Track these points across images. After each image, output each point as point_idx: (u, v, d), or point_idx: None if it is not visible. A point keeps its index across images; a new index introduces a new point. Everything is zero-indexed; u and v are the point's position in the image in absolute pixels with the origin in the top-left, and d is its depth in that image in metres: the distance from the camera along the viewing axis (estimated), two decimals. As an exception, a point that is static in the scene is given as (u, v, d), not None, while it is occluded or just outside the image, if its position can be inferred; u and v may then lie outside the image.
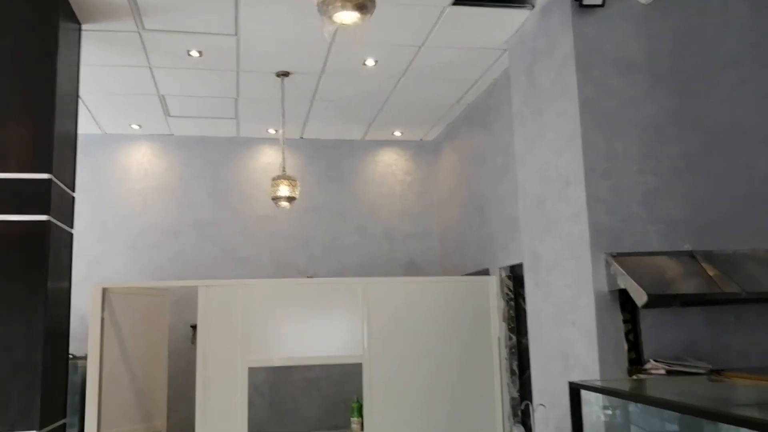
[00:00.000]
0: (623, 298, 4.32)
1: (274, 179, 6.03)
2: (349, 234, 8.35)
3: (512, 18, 5.33)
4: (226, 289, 6.11)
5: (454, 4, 5.08)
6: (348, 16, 2.84)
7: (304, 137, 8.36)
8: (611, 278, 4.32)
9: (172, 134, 8.09)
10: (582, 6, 4.62)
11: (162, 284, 6.73)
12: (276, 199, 6.02)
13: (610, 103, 4.59)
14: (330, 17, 2.82)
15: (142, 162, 8.03)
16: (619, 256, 4.33)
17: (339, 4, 2.81)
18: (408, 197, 8.58)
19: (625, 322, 4.35)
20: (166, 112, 7.31)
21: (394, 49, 5.83)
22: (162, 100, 6.91)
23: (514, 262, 6.21)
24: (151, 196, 7.98)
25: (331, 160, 8.46)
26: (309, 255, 8.21)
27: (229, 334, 6.00)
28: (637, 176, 4.52)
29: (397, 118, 7.73)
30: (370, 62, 6.06)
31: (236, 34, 5.47)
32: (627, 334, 4.33)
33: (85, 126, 7.58)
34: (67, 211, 4.81)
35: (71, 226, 4.92)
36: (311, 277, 7.84)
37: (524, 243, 5.43)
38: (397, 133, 8.35)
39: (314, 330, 6.16)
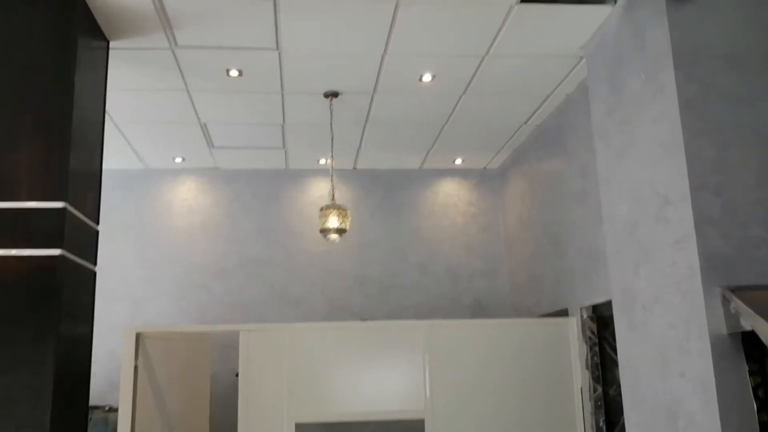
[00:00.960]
0: (748, 343, 3.46)
1: (322, 209, 5.41)
2: (408, 272, 7.64)
3: (590, 18, 4.62)
4: (270, 333, 5.47)
5: (523, 1, 4.40)
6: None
7: (357, 167, 7.76)
8: (731, 318, 3.47)
9: (218, 167, 7.62)
10: (678, -8, 3.88)
11: (200, 328, 6.14)
12: (325, 231, 5.38)
13: (719, 105, 3.80)
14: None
15: (186, 198, 7.57)
16: (740, 290, 3.49)
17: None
18: (472, 230, 7.83)
19: (752, 373, 3.47)
20: (210, 143, 6.83)
21: (454, 61, 5.18)
22: (204, 128, 6.42)
23: (599, 300, 5.38)
24: (197, 233, 7.48)
25: (387, 191, 7.82)
26: (364, 295, 7.52)
27: (274, 385, 5.33)
28: (757, 191, 3.69)
29: (458, 143, 7.05)
30: (427, 77, 5.42)
31: (277, 49, 4.92)
32: (755, 389, 3.45)
33: (127, 161, 7.23)
34: (87, 245, 4.28)
35: (94, 263, 4.39)
36: (365, 320, 7.14)
37: (613, 277, 4.61)
38: (458, 161, 7.66)
39: (370, 381, 5.44)
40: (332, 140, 5.82)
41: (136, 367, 5.34)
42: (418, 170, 7.89)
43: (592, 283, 5.49)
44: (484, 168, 7.96)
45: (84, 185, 4.22)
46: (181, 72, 5.25)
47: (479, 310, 7.59)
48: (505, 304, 7.61)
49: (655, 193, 4.02)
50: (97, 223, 4.46)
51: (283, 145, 6.95)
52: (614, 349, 5.56)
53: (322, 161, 7.45)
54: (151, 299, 7.25)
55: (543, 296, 6.62)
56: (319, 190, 7.65)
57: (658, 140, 3.99)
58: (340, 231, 5.36)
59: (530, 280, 7.00)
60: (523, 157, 7.18)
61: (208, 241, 7.48)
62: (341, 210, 5.36)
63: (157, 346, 5.60)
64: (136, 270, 7.30)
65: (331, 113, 5.76)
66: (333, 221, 5.32)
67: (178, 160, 7.32)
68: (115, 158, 7.13)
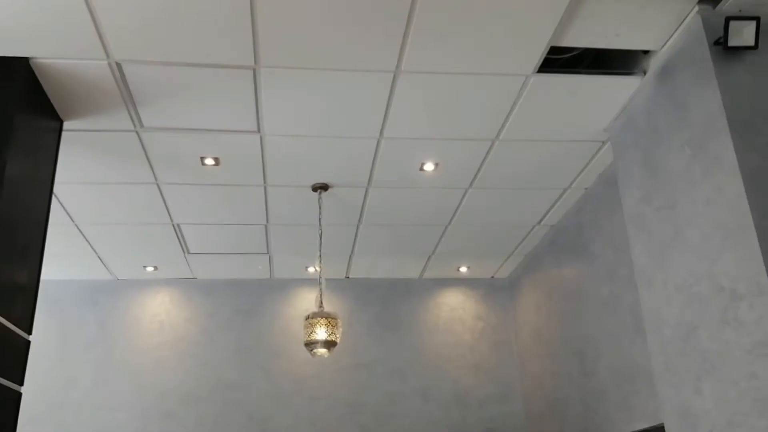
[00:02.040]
0: None
1: (307, 318, 4.57)
2: (409, 397, 6.66)
3: (615, 93, 4.06)
4: (242, 472, 4.48)
5: (540, 71, 3.83)
6: None
7: (350, 276, 6.97)
8: None
9: (195, 278, 6.83)
10: (727, 49, 3.30)
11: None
12: (310, 344, 4.52)
13: (790, 176, 3.12)
14: None
15: (158, 312, 6.71)
16: None
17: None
18: (481, 348, 6.92)
19: None
20: (185, 249, 6.09)
21: (460, 146, 4.55)
22: (178, 230, 5.70)
23: (640, 425, 4.48)
24: (167, 353, 6.57)
25: (384, 303, 6.99)
26: (359, 426, 6.50)
27: None
28: None
29: (463, 247, 6.31)
30: (429, 165, 4.78)
31: (259, 131, 4.30)
32: None
33: (92, 271, 6.48)
34: (11, 359, 3.42)
35: (19, 382, 3.51)
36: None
37: (664, 397, 3.73)
38: (463, 269, 6.89)
39: None
40: (321, 237, 5.08)
41: None
42: (418, 280, 7.10)
43: (630, 406, 4.59)
44: (492, 277, 7.18)
45: (11, 287, 3.43)
46: (148, 160, 4.59)
47: (492, 441, 6.55)
48: (523, 434, 6.60)
49: (718, 288, 3.25)
50: (29, 332, 3.62)
51: (267, 250, 6.20)
52: (662, 490, 4.57)
53: (311, 269, 6.68)
54: (109, 430, 6.22)
55: (568, 423, 5.65)
56: (307, 302, 6.82)
57: (717, 223, 3.27)
58: (329, 344, 4.50)
59: (551, 405, 6.04)
60: (536, 264, 6.43)
61: (180, 361, 6.55)
62: (330, 319, 4.53)
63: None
64: (95, 396, 6.32)
65: (320, 208, 5.06)
66: (321, 332, 4.47)
67: (150, 269, 6.54)
68: (78, 267, 6.37)
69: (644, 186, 3.97)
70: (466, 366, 6.82)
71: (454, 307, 7.05)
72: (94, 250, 6.03)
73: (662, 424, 4.07)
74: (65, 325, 6.54)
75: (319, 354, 4.54)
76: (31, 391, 6.14)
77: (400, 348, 6.83)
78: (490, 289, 7.16)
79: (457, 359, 6.84)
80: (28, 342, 3.61)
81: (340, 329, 4.56)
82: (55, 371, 6.36)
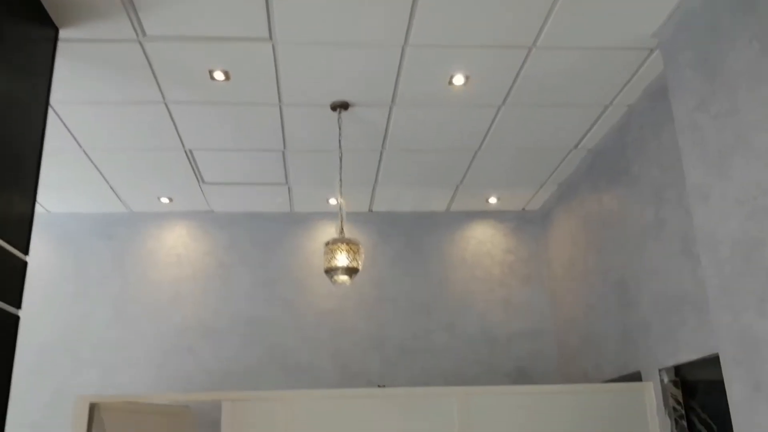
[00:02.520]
0: None
1: (327, 244, 4.28)
2: (434, 332, 6.41)
3: (668, -12, 3.60)
4: (261, 404, 4.27)
5: (584, -39, 3.40)
6: None
7: (373, 210, 6.65)
8: None
9: (212, 210, 6.56)
10: None
11: (171, 398, 4.91)
12: (331, 271, 4.23)
13: None
14: None
15: (175, 245, 6.48)
16: None
17: None
18: (511, 283, 6.61)
19: None
20: (200, 178, 5.79)
21: (494, 54, 4.14)
22: (190, 157, 5.40)
23: (685, 358, 4.16)
24: (185, 287, 6.35)
25: (409, 237, 6.68)
26: (383, 360, 6.28)
27: (265, 473, 4.10)
28: None
29: (493, 175, 5.93)
30: (458, 79, 4.38)
31: (271, 39, 3.92)
32: None
33: (106, 203, 6.25)
34: (8, 281, 3.16)
35: (17, 305, 3.26)
36: (383, 386, 5.87)
37: (720, 322, 3.39)
38: (493, 200, 6.53)
39: (389, 466, 4.20)
40: (341, 160, 4.73)
41: (89, 450, 4.15)
42: (445, 213, 6.77)
43: (676, 338, 4.26)
44: (523, 209, 6.82)
45: (4, 205, 3.15)
46: (154, 75, 4.26)
47: (522, 378, 6.29)
48: (554, 371, 6.31)
49: (790, 196, 2.86)
50: (26, 252, 3.36)
51: (286, 180, 5.88)
52: (707, 425, 4.28)
53: (332, 201, 6.36)
54: (126, 366, 6.07)
55: (605, 358, 5.35)
56: (329, 235, 6.50)
57: (790, 122, 2.87)
58: (351, 271, 4.21)
59: (586, 340, 5.73)
60: (572, 192, 6.05)
61: (198, 296, 6.34)
62: (351, 244, 4.23)
63: (119, 420, 4.41)
64: (111, 330, 6.16)
65: (339, 128, 4.71)
66: (341, 258, 4.18)
67: (165, 200, 6.27)
68: (91, 199, 6.14)
69: (700, 91, 3.55)
70: (494, 301, 6.53)
71: (483, 241, 6.72)
72: (106, 179, 5.77)
73: (713, 354, 3.75)
74: (80, 259, 6.35)
75: (339, 281, 4.25)
76: (46, 326, 6.07)
77: (426, 282, 6.55)
78: (520, 221, 6.80)
79: (485, 294, 6.55)
80: (25, 263, 3.35)
81: (362, 256, 4.27)
82: (71, 307, 6.20)
